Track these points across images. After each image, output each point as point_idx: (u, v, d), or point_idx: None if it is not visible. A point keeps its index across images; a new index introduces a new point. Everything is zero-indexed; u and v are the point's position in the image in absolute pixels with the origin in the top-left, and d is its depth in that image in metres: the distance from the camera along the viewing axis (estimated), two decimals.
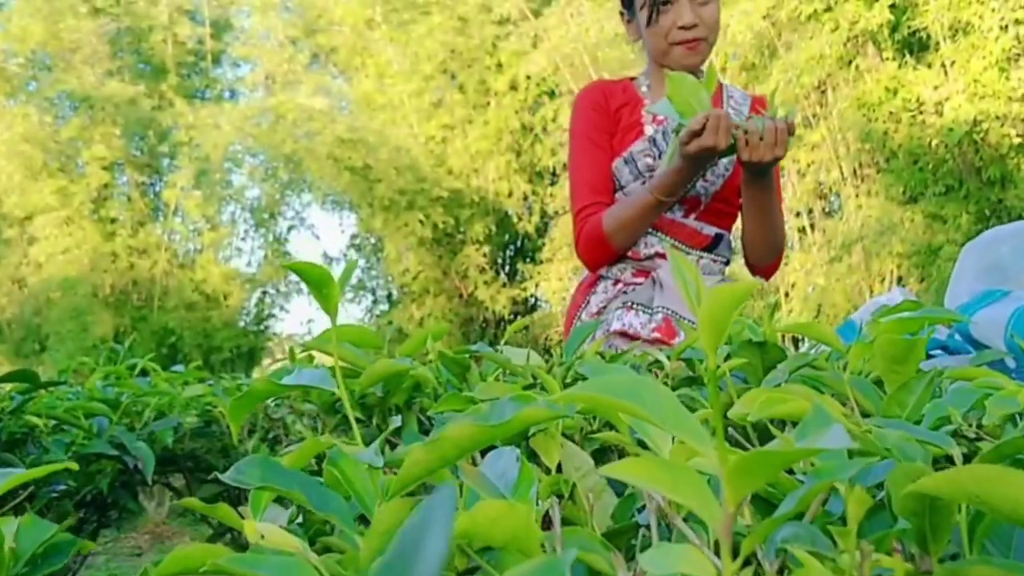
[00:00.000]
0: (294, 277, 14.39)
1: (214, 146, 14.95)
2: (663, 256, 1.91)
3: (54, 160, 15.67)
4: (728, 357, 0.91)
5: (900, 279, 10.25)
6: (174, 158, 16.62)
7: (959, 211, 9.04)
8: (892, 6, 9.03)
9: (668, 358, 0.97)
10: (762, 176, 1.80)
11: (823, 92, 10.59)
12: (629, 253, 1.93)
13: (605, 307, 1.93)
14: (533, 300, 16.38)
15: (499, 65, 14.55)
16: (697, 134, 1.68)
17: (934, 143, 9.09)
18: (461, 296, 15.89)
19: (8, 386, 1.29)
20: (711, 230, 1.97)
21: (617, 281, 1.94)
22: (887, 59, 9.60)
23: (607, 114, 1.99)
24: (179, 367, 2.30)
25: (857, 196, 10.54)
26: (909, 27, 9.15)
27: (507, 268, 16.57)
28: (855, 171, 10.66)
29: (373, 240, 16.74)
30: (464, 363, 1.03)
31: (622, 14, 2.05)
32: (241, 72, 18.08)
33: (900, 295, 2.27)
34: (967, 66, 8.69)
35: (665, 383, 0.93)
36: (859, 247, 10.12)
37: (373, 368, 0.92)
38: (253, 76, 16.83)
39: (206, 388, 1.77)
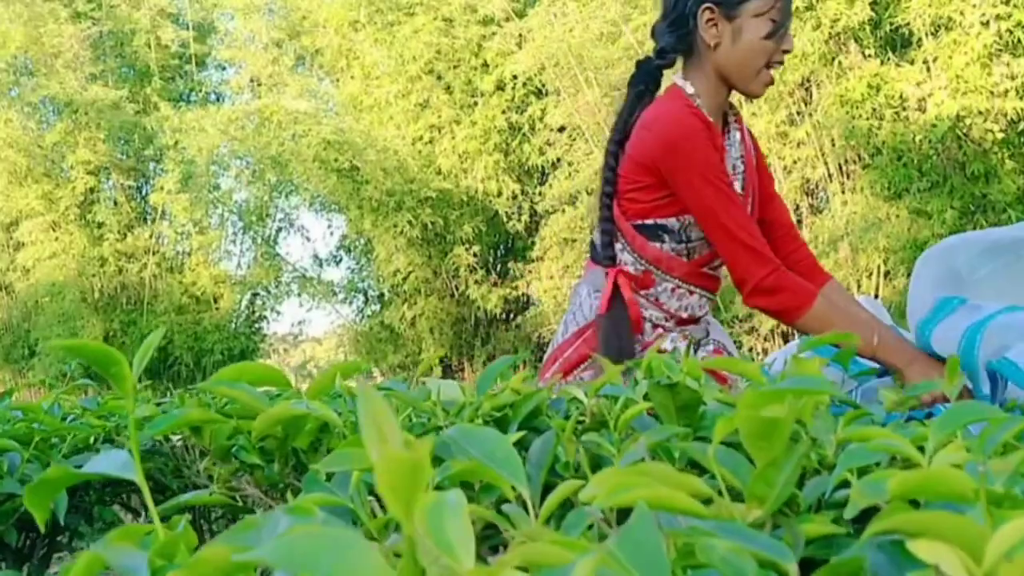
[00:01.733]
0: (286, 278, 14.37)
1: (200, 149, 14.89)
2: (706, 311, 1.95)
3: (39, 165, 15.61)
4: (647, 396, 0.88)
5: (887, 274, 10.26)
6: (160, 162, 16.56)
7: (944, 206, 9.04)
8: (873, 3, 9.02)
9: (586, 394, 0.94)
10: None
11: (807, 89, 10.58)
12: (686, 316, 1.90)
13: (643, 349, 1.89)
14: (525, 299, 16.36)
15: (485, 65, 14.52)
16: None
17: (918, 139, 9.08)
18: (452, 295, 15.86)
19: None
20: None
21: (658, 326, 1.88)
22: (869, 56, 9.58)
23: (719, 152, 1.86)
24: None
25: (843, 192, 10.54)
26: (891, 24, 9.13)
27: (498, 267, 16.54)
28: (840, 168, 10.66)
29: (363, 241, 16.69)
30: None
31: (705, 10, 1.85)
32: (226, 75, 18.02)
33: (865, 303, 2.26)
34: (949, 62, 8.68)
35: (577, 425, 0.90)
36: (845, 243, 10.12)
37: (268, 412, 0.89)
38: (238, 79, 16.76)
39: (153, 409, 1.74)
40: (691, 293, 1.87)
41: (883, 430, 0.55)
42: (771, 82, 1.86)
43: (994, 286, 1.30)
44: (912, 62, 9.18)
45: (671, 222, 1.82)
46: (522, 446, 0.87)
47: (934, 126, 8.70)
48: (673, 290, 1.87)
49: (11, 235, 16.11)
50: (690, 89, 1.90)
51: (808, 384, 0.53)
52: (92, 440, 1.39)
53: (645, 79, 1.95)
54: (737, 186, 1.84)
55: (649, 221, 1.82)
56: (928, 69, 9.03)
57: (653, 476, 0.46)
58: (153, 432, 0.96)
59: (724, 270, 1.88)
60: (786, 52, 1.82)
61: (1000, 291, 1.33)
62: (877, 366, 1.52)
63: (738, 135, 1.92)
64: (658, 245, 1.83)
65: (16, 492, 1.17)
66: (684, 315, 1.87)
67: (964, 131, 8.81)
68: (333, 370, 1.02)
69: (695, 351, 1.85)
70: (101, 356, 0.64)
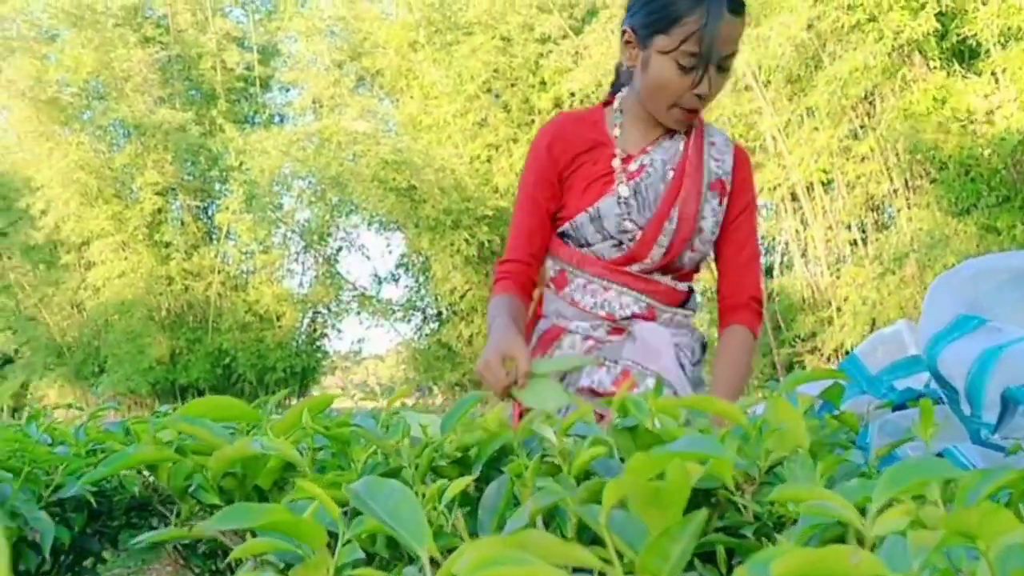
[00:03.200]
0: (346, 296, 14.49)
1: (263, 170, 15.11)
2: (641, 316, 1.78)
3: (109, 187, 15.98)
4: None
5: None
6: (225, 182, 16.87)
7: (1013, 221, 8.77)
8: (939, 14, 8.81)
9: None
10: None
11: (870, 103, 10.37)
12: (603, 315, 1.79)
13: None
14: None
15: (542, 83, 14.52)
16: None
17: (986, 153, 8.83)
18: None
19: None
20: (684, 286, 1.85)
21: (588, 337, 1.79)
22: (935, 68, 9.36)
23: (559, 163, 1.82)
24: (166, 407, 2.25)
25: (908, 208, 10.29)
26: (957, 35, 8.91)
27: None
28: (906, 183, 10.42)
29: (421, 260, 16.77)
30: (343, 437, 0.95)
31: (625, 32, 1.77)
32: (289, 96, 18.31)
33: (905, 328, 2.15)
34: (1019, 74, 8.44)
35: (543, 465, 0.84)
36: (912, 260, 9.88)
37: (223, 451, 0.85)
38: (300, 100, 17.01)
39: (176, 435, 1.72)
40: (606, 289, 1.80)
41: (822, 490, 0.48)
42: (685, 119, 1.76)
43: (1019, 318, 1.21)
44: (980, 74, 8.94)
45: (567, 226, 1.82)
46: (488, 484, 0.81)
47: (1003, 139, 8.45)
48: (585, 286, 1.81)
49: (82, 255, 16.49)
50: (616, 104, 1.87)
51: (700, 447, 0.46)
52: (80, 472, 1.36)
53: (611, 93, 1.93)
54: (623, 189, 1.78)
55: (560, 226, 1.84)
56: (996, 81, 8.79)
57: (534, 547, 0.41)
58: (105, 472, 0.92)
59: (646, 274, 1.82)
60: (700, 97, 1.70)
61: None
62: (896, 398, 1.43)
63: (679, 145, 1.82)
64: (572, 246, 1.83)
65: (6, 523, 1.15)
66: (602, 313, 1.79)
67: None
68: (301, 405, 0.97)
69: (612, 376, 1.71)
70: None
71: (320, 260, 17.52)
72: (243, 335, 16.70)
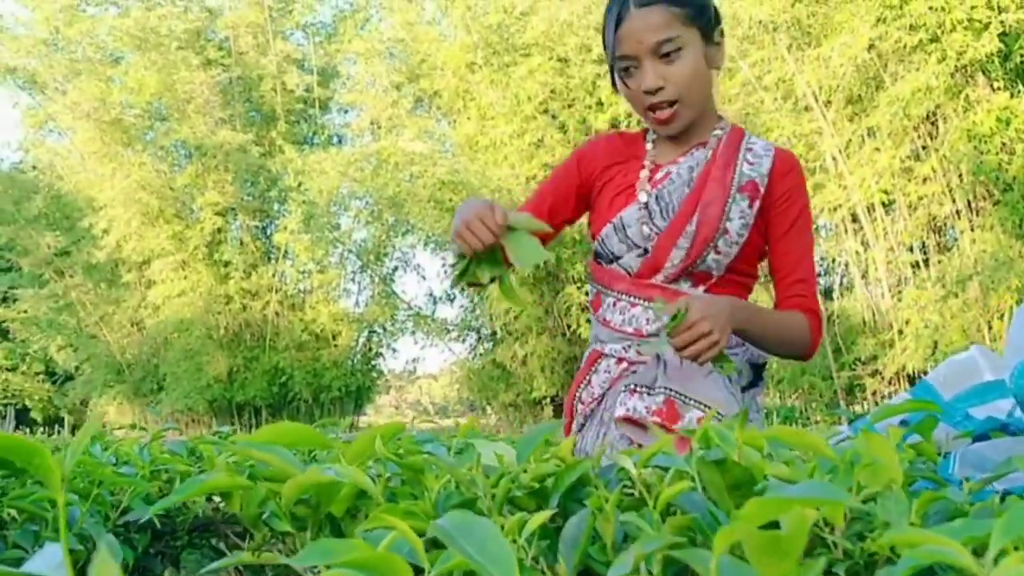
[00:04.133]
0: (401, 316, 14.59)
1: (321, 191, 15.29)
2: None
3: (170, 206, 16.27)
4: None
5: None
6: (284, 203, 17.09)
7: None
8: (1002, 34, 8.66)
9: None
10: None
11: (933, 123, 10.21)
12: (631, 331, 1.79)
13: (609, 388, 1.78)
14: None
15: (599, 103, 14.51)
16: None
17: None
18: (564, 335, 15.79)
19: None
20: None
21: (621, 360, 1.79)
22: (998, 89, 9.20)
23: (589, 170, 1.87)
24: (225, 428, 2.26)
25: (972, 230, 10.10)
26: (1021, 56, 8.75)
27: None
28: (969, 204, 10.23)
29: None
30: (417, 466, 0.94)
31: (615, 86, 1.88)
32: (347, 118, 18.53)
33: (978, 355, 2.09)
34: None
35: (624, 498, 0.83)
36: (975, 282, 9.67)
37: (296, 479, 0.84)
38: (359, 121, 17.19)
39: (210, 449, 1.74)
40: (633, 305, 1.79)
41: (936, 536, 0.46)
42: (665, 120, 1.76)
43: None
44: None
45: (597, 243, 1.85)
46: (565, 516, 0.80)
47: None
48: (614, 304, 1.82)
49: (143, 274, 16.78)
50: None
51: (819, 493, 0.44)
52: (146, 495, 1.37)
53: None
54: (643, 195, 1.78)
55: (593, 245, 1.87)
56: None
57: None
58: (177, 499, 0.92)
59: (675, 285, 1.79)
60: (649, 93, 1.72)
61: None
62: (977, 427, 1.39)
63: (708, 153, 1.81)
64: (603, 264, 1.85)
65: (74, 547, 1.16)
66: (630, 329, 1.78)
67: None
68: (373, 432, 0.96)
69: (651, 406, 1.67)
70: (25, 450, 0.59)
71: (376, 280, 17.66)
72: (299, 354, 16.86)
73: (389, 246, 17.46)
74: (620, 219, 1.80)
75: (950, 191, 10.20)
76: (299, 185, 16.02)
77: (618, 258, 1.81)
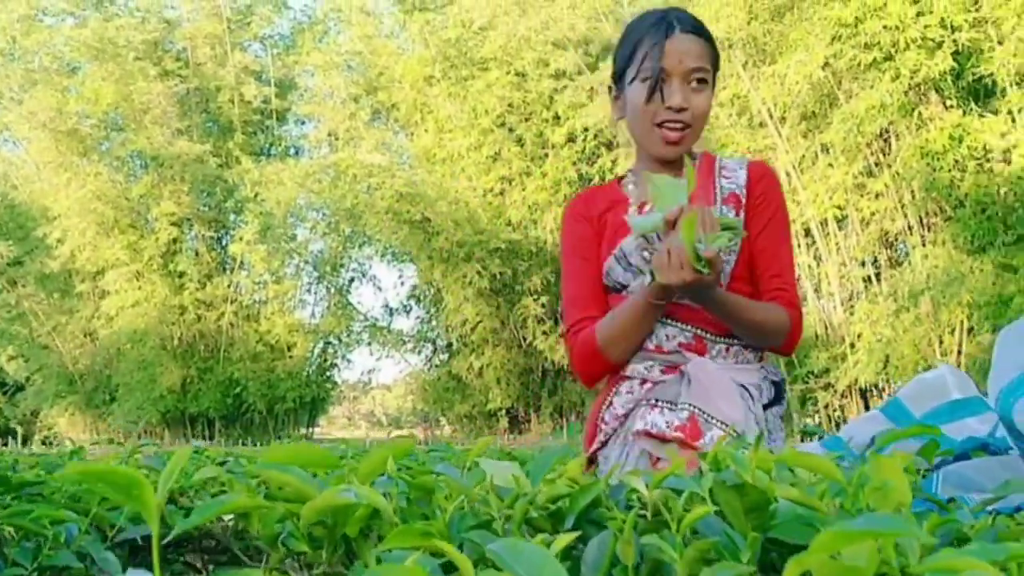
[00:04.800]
0: (357, 327, 14.52)
1: (278, 202, 15.23)
2: (689, 347, 1.81)
3: (125, 217, 16.11)
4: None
5: (971, 330, 9.95)
6: (240, 214, 16.97)
7: None
8: (955, 53, 8.85)
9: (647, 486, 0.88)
10: (694, 298, 1.73)
11: (886, 140, 10.41)
12: (652, 348, 1.83)
13: (632, 408, 1.82)
14: None
15: (556, 118, 14.61)
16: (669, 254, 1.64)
17: (1003, 191, 8.85)
18: (520, 346, 15.84)
19: None
20: None
21: (645, 381, 1.83)
22: (951, 107, 9.40)
23: (591, 222, 1.94)
24: (199, 443, 2.25)
25: (924, 245, 10.29)
26: (973, 74, 8.95)
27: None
28: (921, 220, 10.43)
29: (432, 291, 16.83)
30: (428, 486, 0.95)
31: (610, 89, 1.97)
32: (305, 129, 18.47)
33: (948, 373, 2.15)
34: None
35: (639, 520, 0.85)
36: (927, 297, 9.86)
37: (316, 501, 0.86)
38: (316, 133, 17.16)
39: (219, 470, 1.73)
40: None
41: (970, 560, 0.49)
42: (673, 141, 1.84)
43: None
44: (996, 112, 8.98)
45: (605, 278, 1.92)
46: (580, 539, 0.82)
47: (1020, 178, 8.48)
48: None
49: (96, 284, 16.58)
50: (629, 176, 2.03)
51: (887, 526, 0.47)
52: (181, 492, 1.38)
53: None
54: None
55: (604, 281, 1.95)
56: (1013, 120, 8.82)
57: None
58: (198, 521, 0.93)
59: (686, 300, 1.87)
60: (671, 109, 1.80)
61: None
62: (957, 447, 1.43)
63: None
64: (614, 295, 1.91)
65: (73, 564, 1.16)
66: (651, 346, 1.83)
67: None
68: (384, 452, 0.98)
69: (672, 420, 1.72)
70: (123, 480, 0.61)
71: (332, 291, 17.60)
72: (254, 365, 16.73)
73: (346, 257, 17.42)
74: (620, 250, 1.87)
75: (902, 207, 10.39)
76: (256, 196, 15.93)
77: (625, 287, 1.87)
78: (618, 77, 1.93)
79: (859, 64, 9.27)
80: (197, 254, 16.97)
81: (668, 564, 0.75)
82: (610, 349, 1.83)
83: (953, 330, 9.96)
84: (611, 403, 1.86)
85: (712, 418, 1.66)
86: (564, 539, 0.76)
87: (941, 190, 9.35)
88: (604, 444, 1.85)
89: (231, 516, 1.26)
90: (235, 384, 16.58)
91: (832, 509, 0.79)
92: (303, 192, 15.30)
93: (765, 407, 1.81)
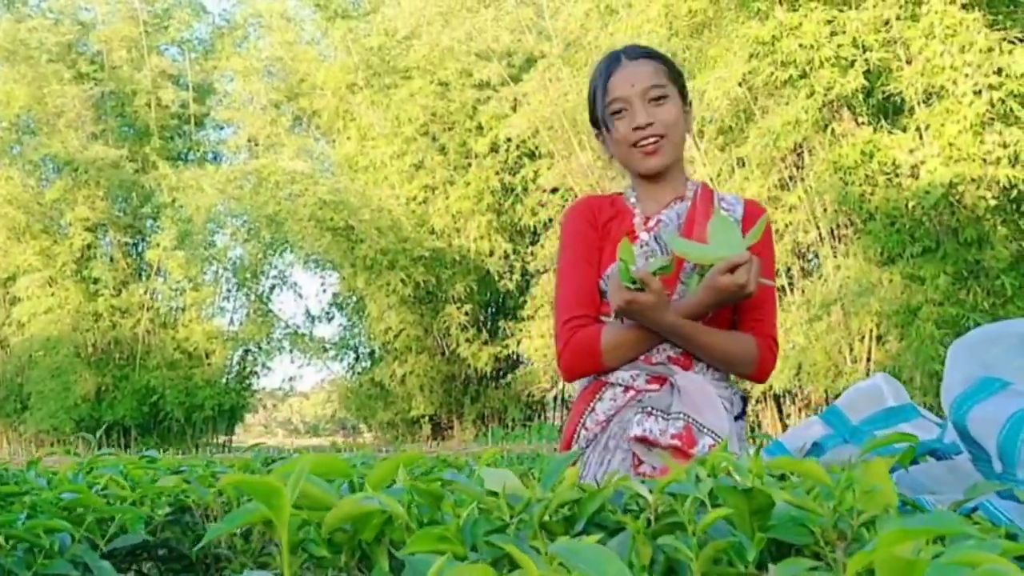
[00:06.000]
0: (278, 334, 14.32)
1: (197, 208, 15.01)
2: (676, 361, 1.91)
3: (37, 222, 15.73)
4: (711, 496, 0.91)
5: (879, 338, 10.30)
6: (157, 219, 16.68)
7: (937, 272, 9.11)
8: (867, 72, 9.18)
9: (651, 491, 0.97)
10: (643, 320, 1.85)
11: (799, 155, 10.73)
12: (641, 359, 1.92)
13: (615, 414, 1.91)
14: (515, 357, 16.39)
15: (479, 128, 14.71)
16: (732, 270, 1.75)
17: (911, 205, 9.18)
18: (443, 354, 15.88)
19: None
20: None
21: (628, 388, 1.91)
22: (862, 123, 9.73)
23: (596, 228, 2.02)
24: (152, 452, 2.28)
25: (835, 256, 10.63)
26: (883, 92, 9.29)
27: (489, 325, 16.60)
28: (832, 232, 10.77)
29: (355, 299, 16.76)
30: (437, 493, 1.04)
31: (597, 134, 2.08)
32: (224, 135, 18.25)
33: (882, 382, 2.30)
34: (942, 130, 8.81)
35: (647, 524, 0.93)
36: (838, 307, 10.19)
37: (340, 508, 0.93)
38: (236, 139, 16.98)
39: (178, 479, 1.78)
40: None
41: (994, 557, 0.58)
42: (650, 152, 1.96)
43: None
44: (905, 129, 9.31)
45: (602, 282, 1.99)
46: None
47: (927, 192, 8.80)
48: None
49: (7, 290, 16.17)
50: (629, 191, 2.11)
51: (946, 522, 0.57)
52: (140, 500, 1.43)
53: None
54: (644, 235, 1.98)
55: (601, 285, 2.02)
56: (921, 137, 9.15)
57: None
58: (230, 527, 1.00)
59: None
60: (639, 128, 1.94)
61: None
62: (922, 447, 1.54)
63: (686, 204, 2.00)
64: (607, 301, 1.99)
65: (67, 572, 1.20)
66: (639, 357, 1.92)
67: (957, 198, 8.92)
68: (395, 461, 1.05)
69: (667, 429, 1.83)
70: (264, 492, 0.69)
71: (252, 298, 17.40)
72: (171, 372, 16.47)
73: (266, 264, 17.25)
74: (621, 259, 1.92)
75: (815, 219, 10.71)
76: (174, 202, 15.69)
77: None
78: (594, 121, 2.05)
79: (775, 80, 9.55)
80: (112, 260, 16.64)
81: (683, 563, 0.84)
82: (611, 354, 1.91)
83: (863, 338, 10.31)
84: (594, 409, 1.95)
85: (704, 427, 1.78)
86: (591, 541, 0.85)
87: (852, 203, 9.66)
88: (587, 447, 1.94)
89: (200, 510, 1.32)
90: (152, 392, 16.30)
91: (827, 511, 0.88)
92: (223, 198, 15.12)
93: (736, 418, 1.93)
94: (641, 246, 1.95)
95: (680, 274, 1.92)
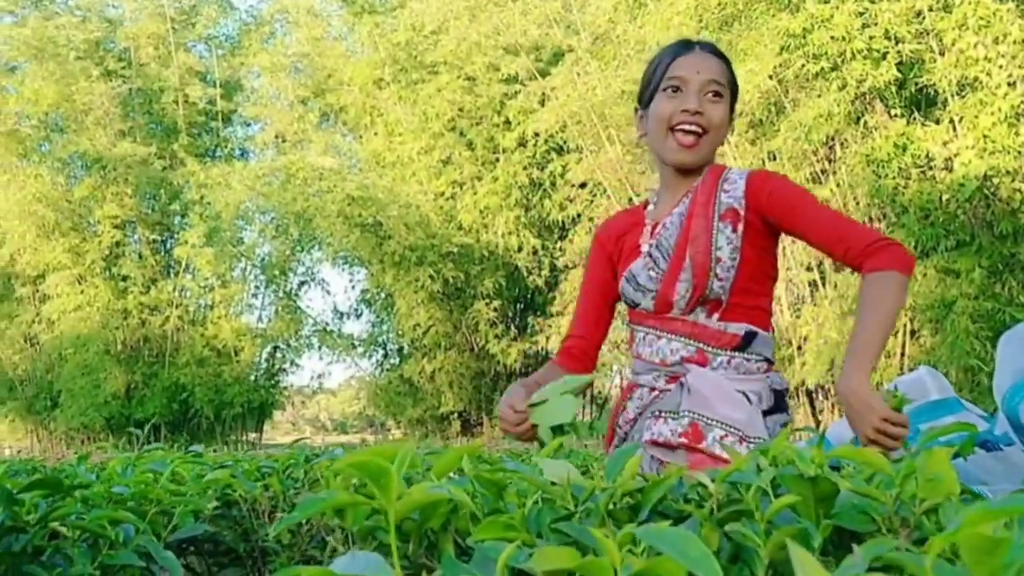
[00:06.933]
0: (306, 331, 14.40)
1: (225, 204, 15.09)
2: (691, 360, 1.89)
3: (66, 220, 15.85)
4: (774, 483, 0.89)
5: (914, 332, 10.21)
6: (185, 216, 16.79)
7: (972, 265, 9.02)
8: (899, 64, 9.09)
9: (712, 480, 0.95)
10: None
11: (831, 148, 10.64)
12: (657, 361, 1.92)
13: (641, 413, 1.93)
14: (544, 353, 16.38)
15: (507, 122, 14.70)
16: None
17: (945, 198, 9.09)
18: (472, 350, 15.89)
19: (33, 493, 1.27)
20: (738, 328, 1.88)
21: (652, 389, 1.94)
22: (895, 116, 9.64)
23: (605, 246, 2.10)
24: (198, 447, 2.28)
25: None
26: (916, 84, 9.20)
27: (517, 321, 16.59)
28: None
29: (384, 295, 16.79)
30: (500, 483, 1.01)
31: (636, 109, 2.06)
32: (252, 131, 18.34)
33: (926, 375, 2.25)
34: (976, 122, 8.71)
35: (711, 514, 0.91)
36: None
37: (410, 496, 0.91)
38: (263, 135, 17.04)
39: (225, 473, 1.77)
40: (658, 338, 1.96)
41: None
42: (687, 145, 1.91)
43: None
44: (938, 122, 9.22)
45: (622, 296, 2.05)
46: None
47: (961, 185, 8.71)
48: (644, 338, 2.00)
49: (37, 288, 16.29)
50: (650, 194, 2.12)
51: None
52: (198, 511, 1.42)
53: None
54: (646, 246, 1.99)
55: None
56: (955, 129, 9.06)
57: None
58: (304, 514, 0.98)
59: (691, 315, 1.94)
60: (687, 112, 1.90)
61: None
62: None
63: (684, 207, 1.96)
64: (631, 309, 2.05)
65: (132, 563, 1.19)
66: (656, 360, 1.93)
67: (992, 190, 8.82)
68: (458, 451, 1.03)
69: (676, 428, 1.82)
70: (374, 469, 0.68)
71: (281, 295, 17.48)
72: (200, 370, 16.56)
73: (294, 261, 17.32)
74: (630, 271, 1.98)
75: (848, 213, 10.62)
76: (202, 199, 15.78)
77: (638, 304, 1.99)
78: (642, 98, 2.03)
79: (806, 73, 9.48)
80: (141, 257, 16.76)
81: (750, 549, 0.82)
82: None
83: (897, 332, 10.21)
84: (625, 408, 1.98)
85: (712, 420, 1.75)
86: (662, 526, 0.82)
87: (885, 197, 9.58)
88: (620, 445, 1.95)
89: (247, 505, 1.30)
90: (181, 389, 16.40)
91: (889, 499, 0.86)
92: (251, 195, 15.19)
93: (765, 414, 1.87)
94: (643, 258, 1.96)
95: (679, 275, 1.91)
